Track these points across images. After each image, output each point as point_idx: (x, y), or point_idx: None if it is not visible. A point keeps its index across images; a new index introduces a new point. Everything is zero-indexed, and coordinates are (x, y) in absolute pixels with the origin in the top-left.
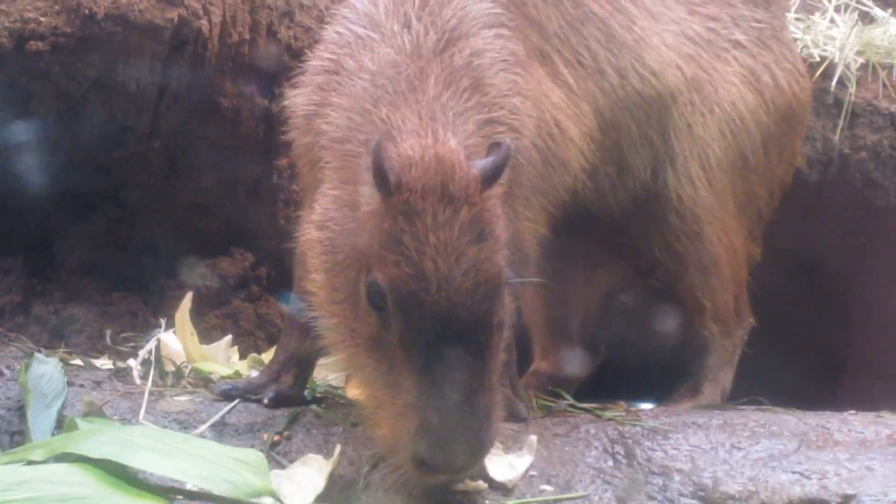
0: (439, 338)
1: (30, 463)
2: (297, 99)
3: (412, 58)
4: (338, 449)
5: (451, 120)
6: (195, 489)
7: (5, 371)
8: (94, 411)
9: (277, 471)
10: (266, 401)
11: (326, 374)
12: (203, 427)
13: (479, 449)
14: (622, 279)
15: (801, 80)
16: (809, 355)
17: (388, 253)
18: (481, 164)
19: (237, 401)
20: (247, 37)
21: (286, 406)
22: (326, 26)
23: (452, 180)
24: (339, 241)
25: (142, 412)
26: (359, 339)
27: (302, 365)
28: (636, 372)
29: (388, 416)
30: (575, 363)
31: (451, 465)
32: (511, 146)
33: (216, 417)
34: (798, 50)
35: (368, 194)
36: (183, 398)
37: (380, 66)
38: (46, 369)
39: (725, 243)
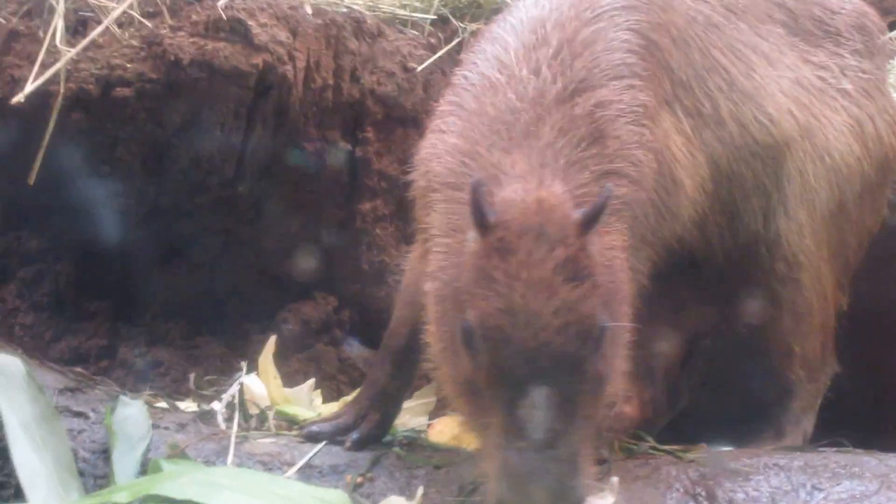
0: (526, 376)
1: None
2: (422, 142)
3: (532, 104)
4: (420, 491)
5: (563, 167)
6: None
7: (91, 414)
8: (177, 453)
9: None
10: (349, 444)
11: (409, 418)
12: (292, 470)
13: (562, 495)
14: (708, 323)
15: None
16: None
17: (480, 289)
18: (583, 209)
19: (324, 443)
20: (330, 82)
21: (369, 445)
22: (456, 71)
23: (550, 221)
24: (446, 290)
25: (230, 455)
26: (458, 386)
27: (389, 402)
28: (718, 415)
29: (481, 460)
30: (658, 407)
31: None
32: (612, 191)
33: (303, 461)
34: None
35: (471, 238)
36: (267, 440)
37: (499, 111)
38: (131, 412)
39: (819, 290)
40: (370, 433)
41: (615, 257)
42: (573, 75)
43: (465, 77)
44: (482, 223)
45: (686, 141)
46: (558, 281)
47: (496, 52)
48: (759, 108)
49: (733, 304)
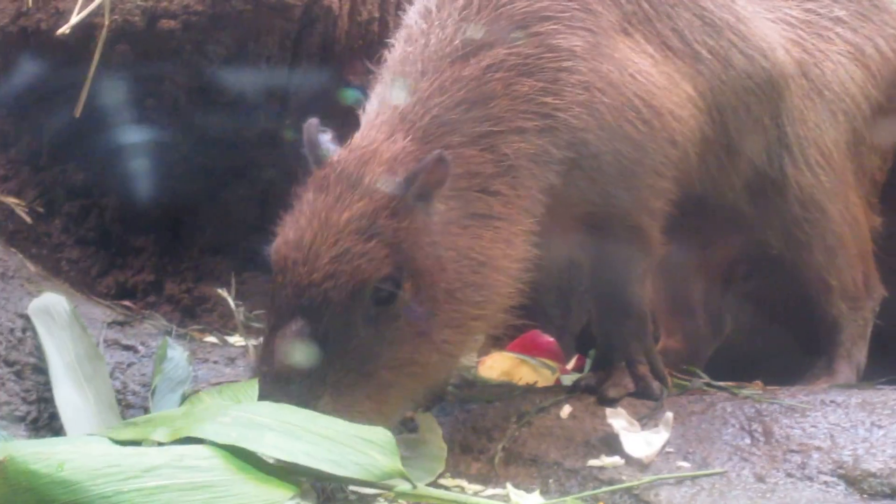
0: (289, 309)
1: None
2: None
3: (426, 59)
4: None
5: (425, 126)
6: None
7: (140, 347)
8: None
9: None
10: None
11: None
12: None
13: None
14: (741, 252)
15: None
16: None
17: (289, 219)
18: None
19: None
20: (376, 14)
21: (435, 393)
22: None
23: (370, 173)
24: None
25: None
26: None
27: None
28: (770, 351)
29: None
30: (702, 337)
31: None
32: (440, 157)
33: None
34: None
35: None
36: None
37: (404, 61)
38: (174, 354)
39: (849, 220)
40: None
41: (472, 227)
42: (473, 32)
43: (404, 19)
44: (315, 159)
45: (656, 64)
46: (349, 230)
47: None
48: (745, 41)
49: (761, 244)
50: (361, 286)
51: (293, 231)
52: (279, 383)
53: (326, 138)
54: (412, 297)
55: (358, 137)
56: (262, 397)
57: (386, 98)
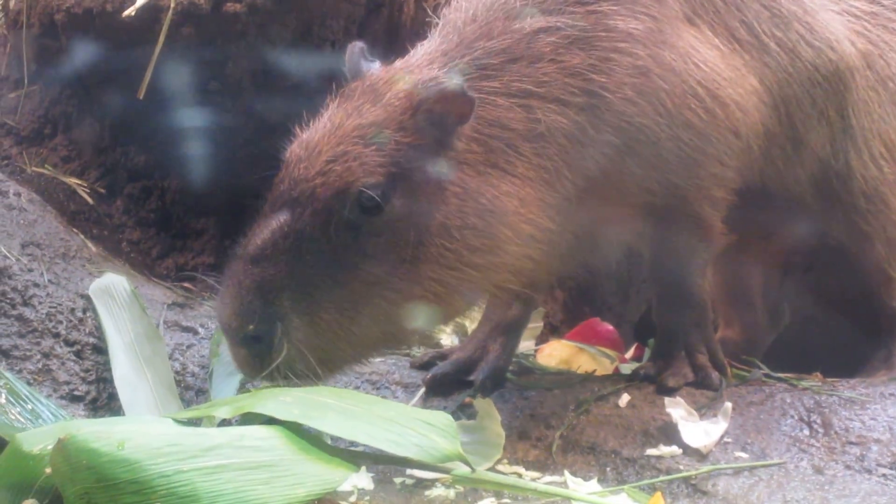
0: (279, 201)
1: (216, 421)
2: None
3: (485, 9)
4: None
5: (465, 63)
6: (383, 453)
7: (199, 329)
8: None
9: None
10: (478, 383)
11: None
12: (415, 399)
13: (235, 308)
14: (801, 244)
15: None
16: None
17: (311, 121)
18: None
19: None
20: None
21: (498, 381)
22: None
23: (394, 90)
24: None
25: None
26: None
27: (509, 333)
28: (830, 344)
29: None
30: (760, 328)
31: (220, 321)
32: (460, 89)
33: (415, 400)
34: None
35: None
36: (375, 359)
37: (466, 7)
38: None
39: None
40: (495, 367)
41: (489, 175)
42: None
43: None
44: (352, 75)
45: (723, 56)
46: (353, 134)
47: None
48: (812, 33)
49: (821, 235)
50: (346, 187)
51: (307, 132)
52: (250, 265)
53: (370, 63)
54: (401, 218)
55: (397, 63)
56: (228, 277)
57: (431, 38)
